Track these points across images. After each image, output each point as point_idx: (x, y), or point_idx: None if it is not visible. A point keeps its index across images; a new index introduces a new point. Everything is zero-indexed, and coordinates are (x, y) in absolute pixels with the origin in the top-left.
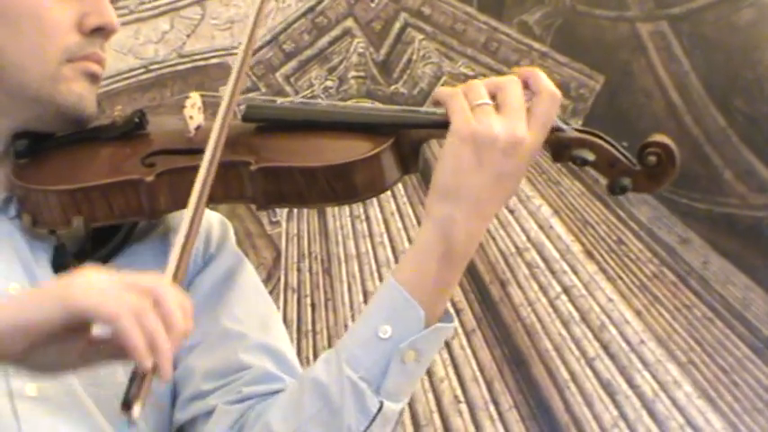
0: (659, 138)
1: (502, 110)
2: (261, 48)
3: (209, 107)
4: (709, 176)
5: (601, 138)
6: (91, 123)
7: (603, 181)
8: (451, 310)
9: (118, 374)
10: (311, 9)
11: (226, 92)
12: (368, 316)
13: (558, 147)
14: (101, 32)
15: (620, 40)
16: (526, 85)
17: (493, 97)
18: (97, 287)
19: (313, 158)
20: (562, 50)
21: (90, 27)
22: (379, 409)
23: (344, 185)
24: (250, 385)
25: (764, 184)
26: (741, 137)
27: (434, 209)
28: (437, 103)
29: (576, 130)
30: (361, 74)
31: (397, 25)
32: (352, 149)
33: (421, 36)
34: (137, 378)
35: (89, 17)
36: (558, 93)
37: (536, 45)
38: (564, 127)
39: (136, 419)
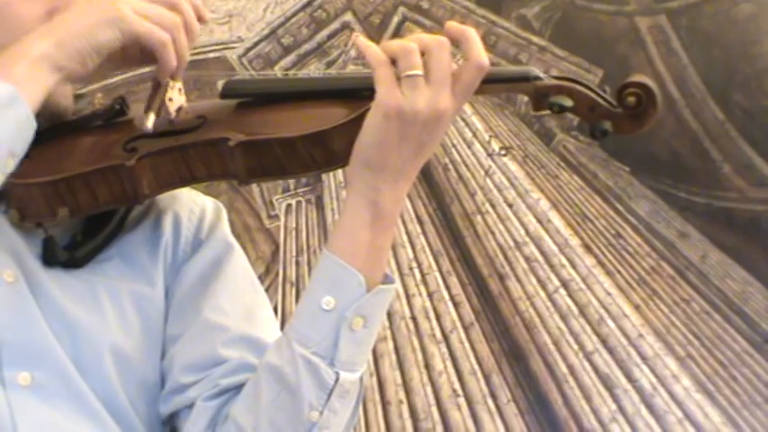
0: (638, 78)
1: (427, 78)
2: (259, 42)
3: (199, 89)
4: (708, 171)
5: (579, 83)
6: (68, 115)
7: (585, 126)
8: (388, 271)
9: (107, 362)
10: (309, 3)
11: None
12: (309, 291)
13: (536, 95)
14: None
15: (618, 33)
16: (456, 44)
17: (420, 55)
18: (142, 13)
19: (291, 129)
20: (561, 44)
21: None
22: (336, 380)
23: (324, 153)
24: (227, 377)
25: (763, 178)
26: (740, 131)
27: (357, 180)
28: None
29: (554, 77)
30: (360, 68)
31: (396, 19)
32: (329, 116)
33: (419, 30)
34: (157, 90)
35: (58, 12)
36: (486, 62)
37: (534, 39)
38: (542, 75)
39: (149, 127)
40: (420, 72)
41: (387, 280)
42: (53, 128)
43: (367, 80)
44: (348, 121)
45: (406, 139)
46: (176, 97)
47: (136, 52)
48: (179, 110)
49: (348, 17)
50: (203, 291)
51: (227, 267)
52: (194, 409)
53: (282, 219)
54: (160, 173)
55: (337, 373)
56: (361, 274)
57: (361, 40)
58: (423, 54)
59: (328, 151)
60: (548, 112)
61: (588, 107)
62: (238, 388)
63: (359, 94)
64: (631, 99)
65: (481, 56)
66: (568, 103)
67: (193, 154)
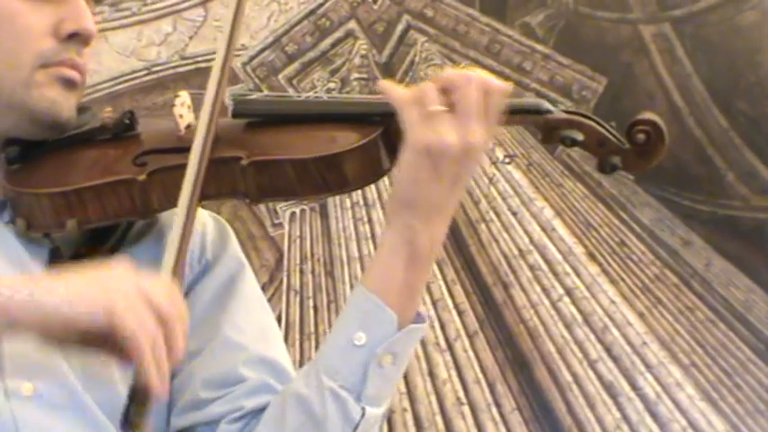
0: (647, 115)
1: (455, 113)
2: (263, 50)
3: (200, 105)
4: (712, 178)
5: (589, 118)
6: (71, 128)
7: (593, 159)
8: (423, 312)
9: (115, 372)
10: (313, 11)
11: (208, 90)
12: (341, 325)
13: (547, 128)
14: (77, 39)
15: (622, 41)
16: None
17: (444, 92)
18: (133, 307)
19: (304, 150)
20: (564, 52)
21: (65, 33)
22: (362, 416)
23: (336, 176)
24: (250, 398)
25: (767, 186)
26: (744, 139)
27: (395, 218)
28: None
29: (565, 111)
30: (364, 76)
31: (400, 27)
32: (341, 140)
33: (423, 38)
34: (136, 399)
35: (65, 23)
36: (504, 84)
37: (538, 47)
38: (552, 108)
39: None
40: (440, 107)
41: (418, 319)
42: (61, 139)
43: (378, 106)
44: (361, 145)
45: (439, 174)
46: (185, 114)
47: (99, 341)
48: (188, 127)
49: (352, 25)
50: (221, 308)
51: (241, 286)
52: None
53: (287, 227)
54: (170, 189)
55: (363, 409)
56: (394, 312)
57: (382, 83)
58: (449, 91)
59: (340, 175)
60: (556, 144)
61: (598, 142)
62: (259, 411)
63: (369, 119)
64: (641, 136)
65: (496, 80)
66: (580, 137)
67: (204, 171)
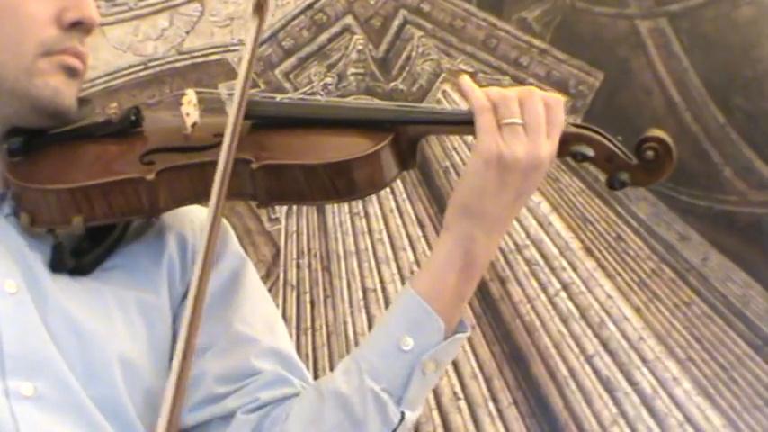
0: (656, 133)
1: (526, 126)
2: (260, 44)
3: (206, 103)
4: (709, 173)
5: (598, 133)
6: (72, 118)
7: (602, 176)
8: (464, 317)
9: (115, 370)
10: (310, 6)
11: (236, 92)
12: (388, 327)
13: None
14: (80, 27)
15: (619, 37)
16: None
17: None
18: None
19: (314, 156)
20: (561, 47)
21: (68, 21)
22: (401, 420)
23: (345, 182)
24: (266, 390)
25: (764, 181)
26: (740, 134)
27: (455, 225)
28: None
29: (573, 125)
30: (361, 71)
31: (397, 22)
32: (352, 146)
33: (420, 33)
34: None
35: (68, 12)
36: (560, 96)
37: (535, 42)
38: None
39: None
40: (520, 120)
41: (461, 327)
42: (64, 132)
43: (387, 112)
44: (372, 152)
45: (505, 186)
46: (192, 112)
47: None
48: (194, 125)
49: (349, 20)
50: (227, 303)
51: (245, 280)
52: (234, 421)
53: (283, 222)
54: (176, 188)
55: (403, 413)
56: (442, 320)
57: (465, 81)
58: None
59: (350, 181)
60: (565, 158)
61: (606, 157)
62: (276, 402)
63: (379, 125)
64: (650, 153)
65: (554, 93)
66: (590, 152)
67: (212, 172)
